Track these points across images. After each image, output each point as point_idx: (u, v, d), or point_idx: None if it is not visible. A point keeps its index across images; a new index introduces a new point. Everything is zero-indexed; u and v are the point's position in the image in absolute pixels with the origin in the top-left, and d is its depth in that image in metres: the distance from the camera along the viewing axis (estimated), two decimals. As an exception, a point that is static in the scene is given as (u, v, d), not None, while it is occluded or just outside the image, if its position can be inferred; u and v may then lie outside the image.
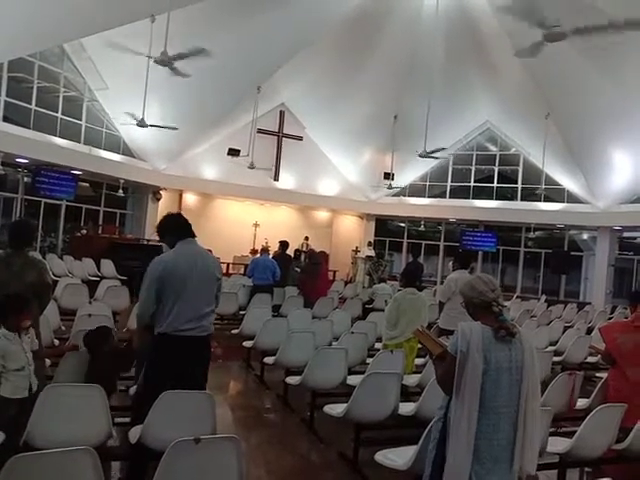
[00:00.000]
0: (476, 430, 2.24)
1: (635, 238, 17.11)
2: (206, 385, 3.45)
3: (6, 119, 12.35)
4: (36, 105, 13.18)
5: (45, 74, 13.41)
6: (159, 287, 3.27)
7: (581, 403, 4.56)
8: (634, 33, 8.85)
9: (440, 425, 2.39)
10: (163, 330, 3.28)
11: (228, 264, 16.59)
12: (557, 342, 7.88)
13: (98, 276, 11.25)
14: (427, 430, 2.77)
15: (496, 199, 18.53)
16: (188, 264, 3.34)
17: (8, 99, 12.48)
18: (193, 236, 3.53)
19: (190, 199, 17.93)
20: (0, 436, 2.85)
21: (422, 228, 19.92)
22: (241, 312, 8.39)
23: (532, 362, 2.34)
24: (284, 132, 18.24)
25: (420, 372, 5.01)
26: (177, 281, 3.28)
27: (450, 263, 6.35)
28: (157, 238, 3.84)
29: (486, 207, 18.25)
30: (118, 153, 15.35)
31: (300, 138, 18.34)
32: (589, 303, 14.90)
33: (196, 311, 3.33)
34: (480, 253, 18.43)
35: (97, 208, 16.11)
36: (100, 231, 14.82)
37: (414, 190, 19.60)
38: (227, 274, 15.47)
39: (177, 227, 3.53)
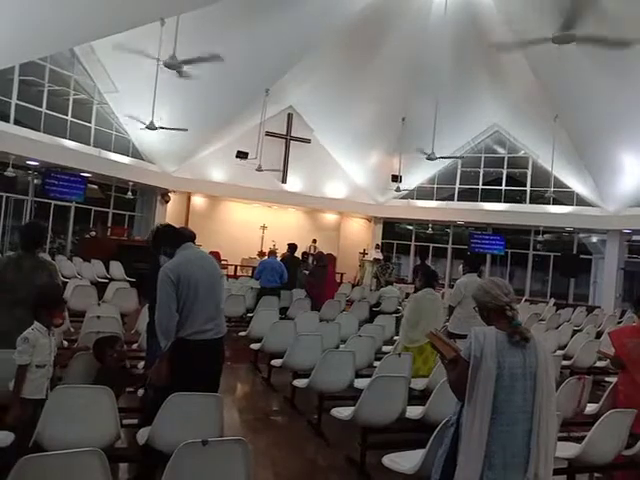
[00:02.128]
0: (489, 436, 2.22)
1: (645, 241, 16.97)
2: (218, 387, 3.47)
3: (17, 122, 12.48)
4: (46, 108, 13.31)
5: (56, 77, 13.54)
6: (176, 293, 3.26)
7: (590, 408, 4.52)
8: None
9: (452, 431, 2.37)
10: (180, 335, 3.28)
11: (236, 266, 16.64)
12: (566, 346, 7.83)
13: (107, 278, 11.33)
14: (435, 434, 2.76)
15: (504, 202, 18.44)
16: (198, 266, 3.38)
17: (19, 102, 12.61)
18: (194, 242, 3.62)
19: (198, 201, 18.01)
20: (9, 437, 2.87)
21: (430, 231, 19.88)
22: (248, 314, 8.42)
23: (546, 367, 2.31)
24: (292, 135, 18.29)
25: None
26: (192, 285, 3.29)
27: (460, 266, 6.30)
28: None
29: (494, 210, 18.16)
30: (127, 156, 15.44)
31: (308, 141, 18.37)
32: (598, 307, 14.80)
33: (210, 313, 3.36)
34: (488, 256, 18.36)
35: (106, 210, 16.22)
36: (109, 233, 14.93)
37: (422, 193, 19.57)
38: (235, 276, 15.53)
39: (174, 236, 3.57)
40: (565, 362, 6.87)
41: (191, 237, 4.03)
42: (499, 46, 10.47)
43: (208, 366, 3.35)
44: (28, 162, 12.96)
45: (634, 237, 16.98)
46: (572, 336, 8.21)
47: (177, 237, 3.55)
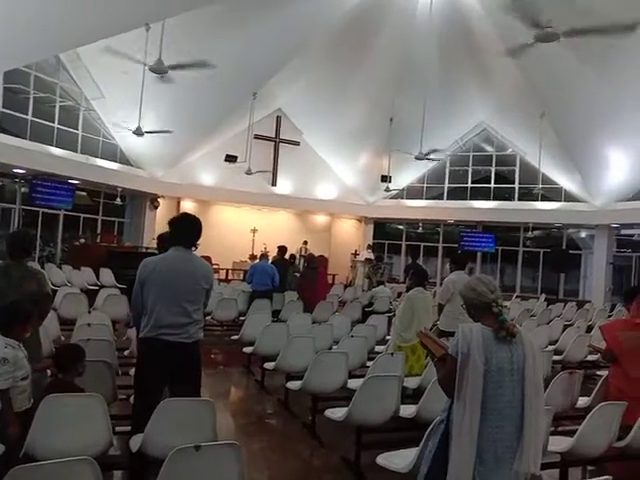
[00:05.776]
0: (479, 431, 2.24)
1: (633, 235, 17.13)
2: (200, 390, 3.45)
3: (3, 130, 12.38)
4: (32, 115, 13.21)
5: (41, 84, 13.44)
6: (143, 288, 3.31)
7: (582, 401, 4.56)
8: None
9: (443, 427, 2.38)
10: (144, 334, 3.30)
11: (227, 270, 16.60)
12: (557, 341, 7.89)
13: (97, 285, 11.24)
14: (428, 432, 2.77)
15: (494, 199, 18.57)
16: (170, 268, 3.34)
17: (4, 110, 12.51)
18: (189, 247, 3.45)
19: (188, 206, 17.89)
20: (0, 448, 2.84)
21: (420, 230, 19.95)
22: (241, 318, 8.39)
23: (533, 362, 2.33)
24: (281, 137, 18.28)
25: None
26: (157, 283, 3.29)
27: (447, 265, 6.35)
28: (155, 245, 3.87)
29: (484, 208, 18.29)
30: (115, 161, 15.36)
31: (297, 143, 18.38)
32: (588, 301, 14.91)
33: (174, 318, 3.28)
34: (479, 254, 18.46)
35: (95, 217, 16.12)
36: (98, 240, 14.84)
37: (412, 192, 19.64)
38: (226, 280, 15.48)
39: (179, 232, 3.48)
40: (556, 357, 6.93)
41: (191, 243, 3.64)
42: (508, 53, 10.60)
43: (172, 368, 3.24)
44: (15, 170, 12.83)
45: (622, 231, 17.15)
46: (563, 331, 8.28)
47: (180, 236, 3.44)
